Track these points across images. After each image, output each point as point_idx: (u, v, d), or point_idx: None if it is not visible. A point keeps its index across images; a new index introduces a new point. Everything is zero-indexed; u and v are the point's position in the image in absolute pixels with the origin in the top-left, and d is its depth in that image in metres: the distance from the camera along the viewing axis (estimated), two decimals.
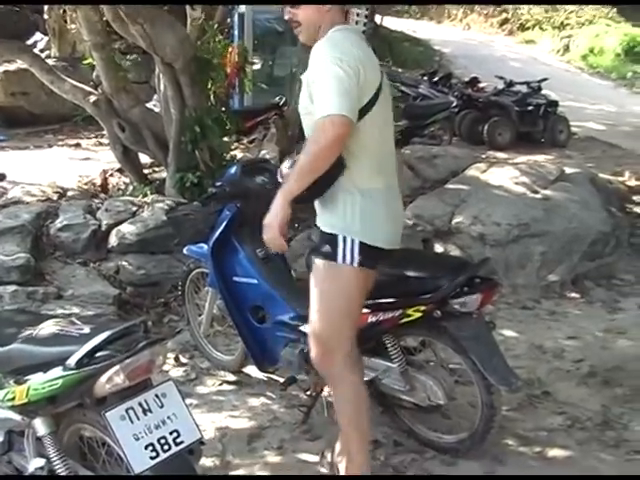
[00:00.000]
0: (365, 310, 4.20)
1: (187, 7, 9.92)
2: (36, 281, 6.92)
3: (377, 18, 23.35)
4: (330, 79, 3.51)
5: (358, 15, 9.00)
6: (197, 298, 5.90)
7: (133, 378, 3.16)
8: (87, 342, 3.16)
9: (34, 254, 7.19)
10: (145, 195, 8.56)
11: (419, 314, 4.18)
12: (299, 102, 3.81)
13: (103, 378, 3.15)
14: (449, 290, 4.09)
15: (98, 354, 3.16)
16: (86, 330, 3.32)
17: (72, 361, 3.14)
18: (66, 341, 3.30)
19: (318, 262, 3.85)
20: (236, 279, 5.15)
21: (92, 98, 9.22)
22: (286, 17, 3.80)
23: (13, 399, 3.34)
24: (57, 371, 3.19)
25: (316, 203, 3.84)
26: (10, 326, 3.64)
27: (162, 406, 3.22)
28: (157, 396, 3.23)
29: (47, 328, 3.46)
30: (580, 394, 5.40)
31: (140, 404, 3.18)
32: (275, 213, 3.61)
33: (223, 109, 9.34)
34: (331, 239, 3.78)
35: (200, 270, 5.68)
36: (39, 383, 3.24)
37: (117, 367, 3.14)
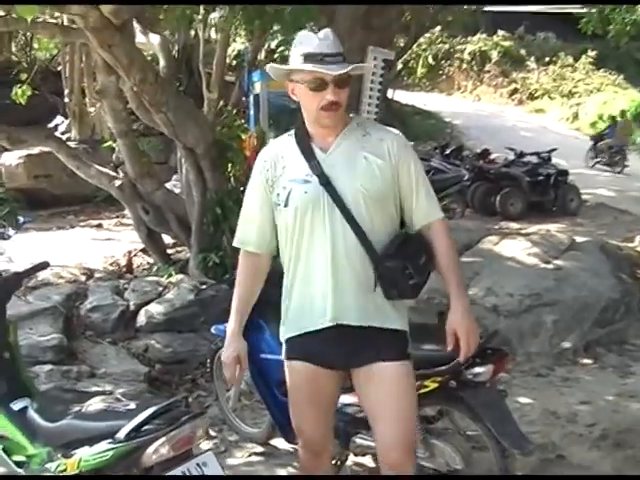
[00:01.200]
0: None
1: (204, 90, 10.36)
2: (69, 360, 7.14)
3: (389, 92, 23.81)
4: (426, 180, 3.71)
5: (370, 105, 9.43)
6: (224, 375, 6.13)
7: (177, 449, 3.45)
8: (134, 417, 3.46)
9: (66, 334, 7.44)
10: (170, 275, 8.84)
11: (436, 385, 4.44)
12: (364, 182, 3.54)
13: (150, 449, 3.44)
14: (463, 362, 4.34)
15: (144, 428, 3.46)
16: (132, 406, 3.62)
17: (121, 434, 3.44)
18: (114, 416, 3.61)
19: (404, 366, 3.68)
20: (263, 356, 5.38)
21: (117, 182, 9.61)
22: (333, 98, 3.48)
23: (64, 470, 3.61)
24: (105, 444, 3.47)
25: (389, 302, 3.64)
26: (59, 404, 3.93)
27: (203, 474, 3.50)
28: (198, 465, 3.51)
29: (95, 404, 3.75)
30: (593, 457, 5.56)
31: (183, 472, 3.46)
32: None
33: (243, 190, 9.69)
34: (405, 336, 3.74)
35: None
36: (90, 455, 3.52)
37: (163, 439, 3.43)
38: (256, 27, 10.37)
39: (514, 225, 13.99)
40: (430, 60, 36.34)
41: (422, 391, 4.46)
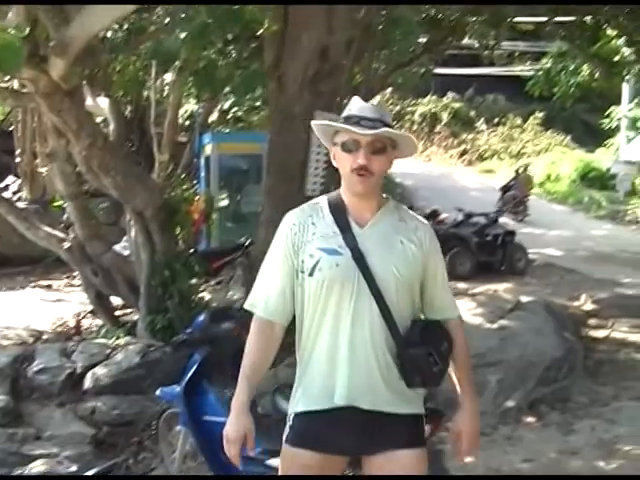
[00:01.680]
0: None
1: (155, 151, 10.47)
2: (15, 423, 7.12)
3: None
4: (446, 276, 3.68)
5: (317, 169, 9.56)
6: (170, 436, 6.13)
7: None
8: None
9: (13, 396, 7.45)
10: (118, 337, 8.85)
11: None
12: (398, 264, 3.44)
13: None
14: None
15: None
16: (73, 468, 3.67)
17: None
18: None
19: (420, 453, 3.52)
20: (206, 418, 5.46)
21: (66, 245, 9.65)
22: (363, 162, 3.37)
23: None
24: None
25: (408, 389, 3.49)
26: (2, 466, 3.96)
27: None
28: None
29: (36, 467, 3.80)
30: None
31: None
32: None
33: (191, 251, 9.79)
34: (421, 421, 3.60)
35: (172, 410, 5.96)
36: None
37: None
38: (206, 92, 10.51)
39: (462, 285, 14.08)
40: None
41: None
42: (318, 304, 3.42)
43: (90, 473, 3.49)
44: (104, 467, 3.60)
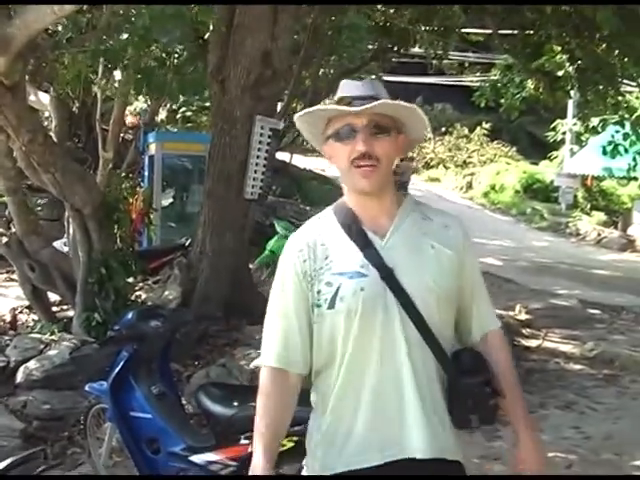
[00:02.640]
0: (246, 441, 4.70)
1: (100, 148, 10.50)
2: None
3: (287, 156, 24.13)
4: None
5: (256, 172, 9.68)
6: (98, 432, 6.22)
7: None
8: None
9: None
10: (53, 333, 8.91)
11: (292, 444, 4.62)
12: (435, 277, 2.80)
13: None
14: None
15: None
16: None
17: None
18: None
19: None
20: (133, 414, 5.54)
21: (4, 239, 9.67)
22: (363, 148, 2.75)
23: None
24: None
25: (451, 428, 2.88)
26: None
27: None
28: None
29: None
30: None
31: None
32: None
33: (130, 250, 9.84)
34: (464, 470, 3.00)
35: (101, 406, 6.03)
36: None
37: None
38: (144, 94, 10.57)
39: None
40: None
41: (280, 449, 4.66)
42: (341, 339, 2.76)
43: (8, 461, 3.54)
44: (20, 456, 3.65)
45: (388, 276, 2.72)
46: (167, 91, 9.85)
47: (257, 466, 2.78)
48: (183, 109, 23.10)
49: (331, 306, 2.74)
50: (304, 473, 2.93)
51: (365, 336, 2.72)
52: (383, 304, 2.71)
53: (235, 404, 4.88)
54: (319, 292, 2.77)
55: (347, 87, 2.88)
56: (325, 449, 2.86)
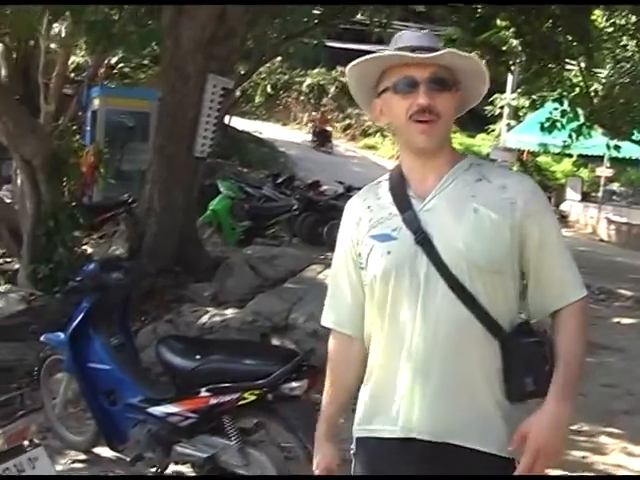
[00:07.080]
0: (207, 393, 4.79)
1: (42, 101, 10.39)
2: None
3: (226, 118, 24.06)
4: (564, 242, 2.72)
5: (206, 130, 9.68)
6: (51, 383, 6.24)
7: (10, 443, 3.63)
8: None
9: None
10: None
11: (254, 397, 4.72)
12: (468, 242, 2.56)
13: None
14: (279, 376, 4.65)
15: None
16: None
17: None
18: None
19: None
20: (91, 365, 5.59)
21: None
22: (425, 102, 2.53)
23: None
24: None
25: (501, 409, 2.59)
26: None
27: (34, 468, 3.68)
28: (30, 459, 3.67)
29: None
30: None
31: (15, 465, 3.62)
32: None
33: (78, 203, 9.82)
34: (512, 466, 2.56)
35: (55, 357, 6.06)
36: None
37: None
38: (101, 47, 10.43)
39: None
40: (269, 89, 36.69)
41: (241, 403, 4.76)
42: (377, 304, 2.68)
43: None
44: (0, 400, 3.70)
45: (421, 239, 2.56)
46: (126, 42, 9.70)
47: (319, 433, 2.90)
48: (121, 65, 22.78)
49: (365, 268, 2.69)
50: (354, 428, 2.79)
51: (397, 300, 2.61)
52: (411, 267, 2.57)
53: (197, 357, 4.95)
54: (359, 254, 2.72)
55: (407, 37, 2.66)
56: (363, 411, 2.76)
